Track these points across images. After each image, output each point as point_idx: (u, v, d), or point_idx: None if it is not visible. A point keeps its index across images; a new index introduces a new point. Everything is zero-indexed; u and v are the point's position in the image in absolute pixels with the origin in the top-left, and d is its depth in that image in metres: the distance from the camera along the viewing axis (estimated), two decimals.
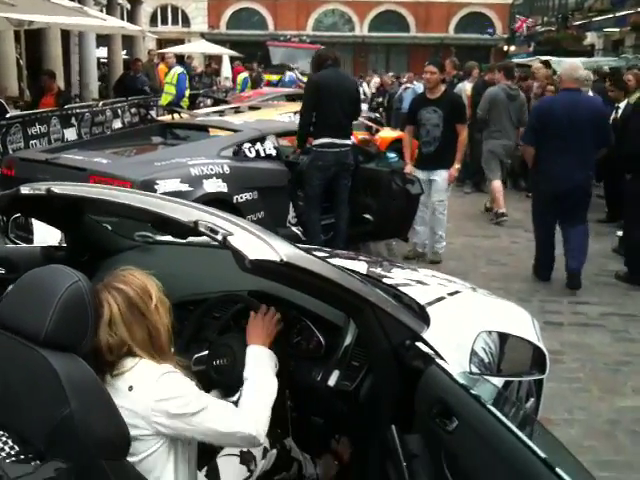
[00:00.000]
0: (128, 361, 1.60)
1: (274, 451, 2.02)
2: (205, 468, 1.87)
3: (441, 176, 5.82)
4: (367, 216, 5.71)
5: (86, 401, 1.32)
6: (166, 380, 1.60)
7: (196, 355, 2.16)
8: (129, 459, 1.50)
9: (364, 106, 10.78)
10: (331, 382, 2.07)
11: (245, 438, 1.68)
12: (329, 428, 2.47)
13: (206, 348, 2.17)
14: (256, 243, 1.62)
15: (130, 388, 1.56)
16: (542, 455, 1.33)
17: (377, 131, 8.28)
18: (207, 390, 2.11)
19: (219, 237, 1.62)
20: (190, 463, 1.72)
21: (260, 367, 1.87)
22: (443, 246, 6.05)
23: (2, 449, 1.34)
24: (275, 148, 5.54)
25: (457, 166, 5.85)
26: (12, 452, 1.33)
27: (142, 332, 1.63)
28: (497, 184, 7.81)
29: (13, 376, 1.39)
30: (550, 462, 1.31)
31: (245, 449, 1.92)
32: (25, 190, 2.10)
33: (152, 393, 1.56)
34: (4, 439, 1.36)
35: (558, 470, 1.28)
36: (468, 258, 6.17)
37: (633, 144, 5.44)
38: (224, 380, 2.04)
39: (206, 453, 2.00)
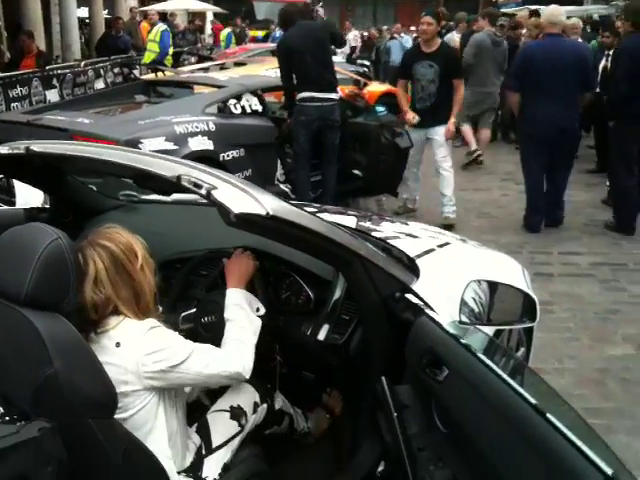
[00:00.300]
0: (112, 319, 1.59)
1: (264, 406, 2.03)
2: (195, 424, 1.87)
3: (439, 133, 5.60)
4: (356, 172, 5.66)
5: (70, 360, 1.30)
6: (152, 334, 1.60)
7: (184, 313, 2.15)
8: (120, 415, 1.50)
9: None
10: (321, 336, 2.07)
11: (231, 376, 1.72)
12: (320, 382, 2.48)
13: (194, 306, 2.15)
14: (241, 197, 1.58)
15: (117, 344, 1.55)
16: (532, 401, 1.33)
17: (365, 85, 8.13)
18: None
19: (203, 191, 1.58)
20: (179, 416, 1.73)
21: (240, 308, 1.89)
22: (453, 210, 5.75)
23: None
24: (261, 104, 5.45)
25: (453, 120, 5.59)
26: None
27: (127, 290, 1.62)
28: (465, 127, 8.02)
29: None
30: (541, 408, 1.30)
31: (235, 404, 1.93)
32: (3, 150, 2.04)
33: (140, 348, 1.56)
34: None
35: (549, 416, 1.27)
36: (459, 211, 6.13)
37: (614, 91, 5.40)
38: (213, 336, 2.02)
39: (196, 410, 2.01)
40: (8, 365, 1.34)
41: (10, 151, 2.03)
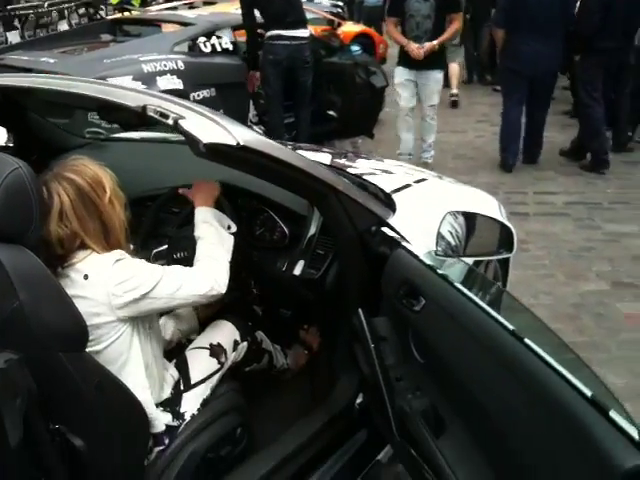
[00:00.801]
0: (80, 253, 1.53)
1: (245, 344, 2.01)
2: (174, 360, 1.85)
3: (434, 78, 5.17)
4: (331, 113, 5.57)
5: (36, 292, 1.26)
6: (120, 265, 1.55)
7: (155, 250, 2.11)
8: (93, 348, 1.47)
9: None
10: (297, 271, 2.04)
11: (206, 294, 1.67)
12: (297, 319, 2.47)
13: (165, 243, 2.11)
14: (210, 126, 1.52)
15: (85, 277, 1.51)
16: (510, 327, 1.32)
17: (339, 25, 7.93)
18: None
19: (170, 121, 1.51)
20: (154, 346, 1.70)
21: (210, 225, 1.83)
22: (432, 155, 5.60)
23: None
24: (232, 42, 5.29)
25: (435, 42, 4.96)
26: None
27: (95, 225, 1.56)
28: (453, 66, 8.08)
29: None
30: (519, 334, 1.30)
31: (215, 342, 1.90)
32: None
33: (109, 279, 1.51)
34: None
35: (527, 341, 1.27)
36: (435, 153, 6.09)
37: (587, 22, 5.34)
38: None
39: (175, 348, 1.99)
40: None
41: None
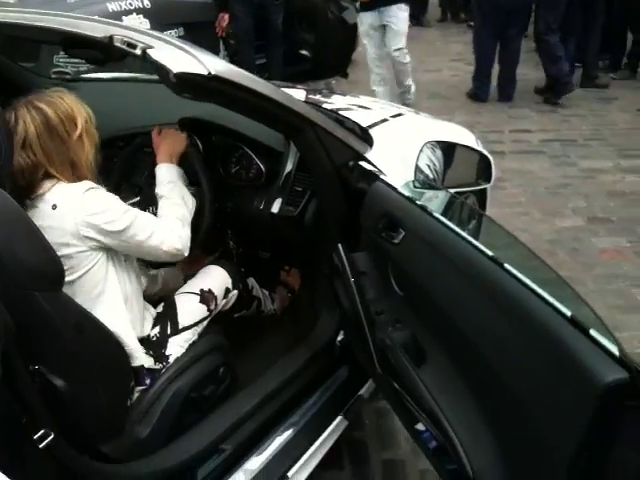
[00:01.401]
0: (46, 183, 1.50)
1: (235, 292, 1.98)
2: (162, 304, 1.81)
3: (397, 16, 4.91)
4: (304, 52, 5.45)
5: (9, 231, 1.21)
6: (91, 195, 1.51)
7: (128, 202, 2.06)
8: (67, 279, 1.42)
9: None
10: (274, 209, 2.01)
11: (171, 251, 1.65)
12: (277, 260, 2.45)
13: (136, 194, 2.05)
14: (181, 56, 1.46)
15: (54, 207, 1.47)
16: (490, 254, 1.32)
17: None
18: None
19: (138, 51, 1.45)
20: (133, 280, 1.67)
21: (174, 185, 1.80)
22: (413, 93, 5.44)
23: None
24: None
25: None
26: None
27: (61, 158, 1.52)
28: None
29: None
30: (498, 259, 1.29)
31: (206, 288, 1.86)
32: None
33: (78, 208, 1.47)
34: None
35: (507, 266, 1.27)
36: None
37: None
38: None
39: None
40: None
41: None
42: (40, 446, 1.18)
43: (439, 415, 1.42)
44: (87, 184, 1.52)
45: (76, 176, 1.55)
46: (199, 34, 4.84)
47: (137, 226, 1.57)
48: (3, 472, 0.98)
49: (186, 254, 1.70)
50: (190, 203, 1.80)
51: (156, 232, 1.61)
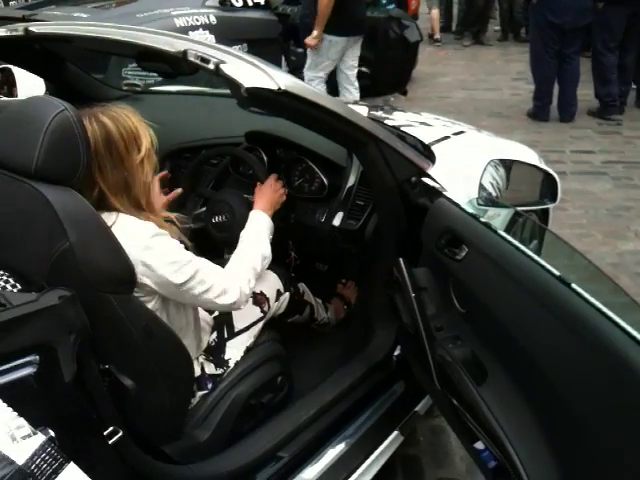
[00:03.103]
0: (105, 215, 1.39)
1: (287, 294, 2.01)
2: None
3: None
4: (363, 69, 5.47)
5: (85, 234, 1.26)
6: (156, 243, 1.43)
7: (194, 212, 2.11)
8: None
9: None
10: (336, 222, 2.04)
11: (224, 305, 1.58)
12: (334, 273, 2.47)
13: (201, 205, 2.11)
14: (252, 71, 1.50)
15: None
16: (557, 273, 1.30)
17: None
18: (207, 247, 2.07)
19: (211, 66, 1.49)
20: (188, 312, 1.63)
21: (258, 232, 1.79)
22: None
23: (4, 288, 1.30)
24: None
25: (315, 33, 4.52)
26: (15, 291, 1.30)
27: (115, 177, 1.43)
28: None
29: (7, 213, 1.32)
30: (565, 278, 1.28)
31: (258, 291, 1.88)
32: (1, 32, 1.95)
33: (140, 255, 1.39)
34: (5, 277, 1.31)
35: (574, 286, 1.25)
36: (469, 112, 6.01)
37: None
38: (226, 236, 2.00)
39: None
40: (21, 242, 1.30)
41: (8, 33, 1.94)
42: (110, 442, 1.22)
43: (500, 434, 1.40)
44: (153, 229, 1.44)
45: (131, 203, 1.47)
46: (262, 50, 4.94)
47: (197, 279, 1.49)
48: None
49: (242, 307, 1.66)
50: (267, 258, 1.75)
51: (215, 285, 1.53)
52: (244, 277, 1.62)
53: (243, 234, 1.78)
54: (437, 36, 9.15)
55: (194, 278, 1.48)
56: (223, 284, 1.55)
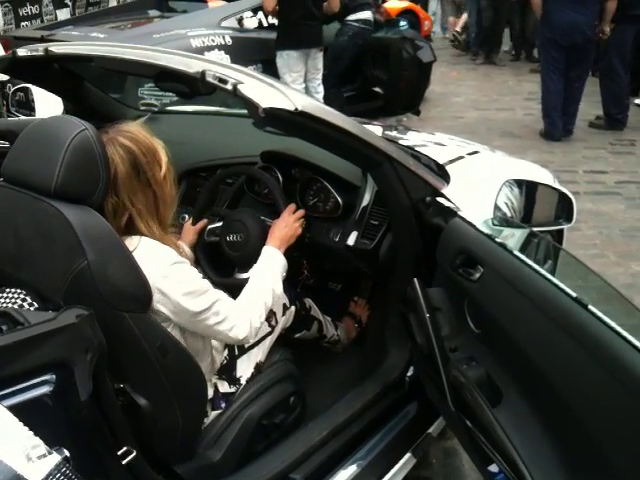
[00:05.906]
0: (127, 240, 1.40)
1: (292, 308, 2.01)
2: None
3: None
4: (376, 89, 5.51)
5: (103, 253, 1.27)
6: (175, 271, 1.43)
7: (210, 226, 2.13)
8: None
9: None
10: (350, 241, 2.04)
11: (235, 339, 1.59)
12: (347, 293, 2.47)
13: (218, 221, 2.12)
14: (269, 92, 1.52)
15: None
16: (573, 295, 1.30)
17: (384, 0, 7.84)
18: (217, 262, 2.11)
19: (229, 86, 1.51)
20: (206, 339, 1.64)
21: (269, 268, 1.79)
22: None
23: (21, 306, 1.31)
24: None
25: None
26: (31, 309, 1.31)
27: (145, 199, 1.44)
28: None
29: (26, 232, 1.33)
30: (582, 301, 1.27)
31: None
32: (22, 52, 1.98)
33: (158, 283, 1.39)
34: (22, 296, 1.33)
35: (591, 308, 1.24)
36: (481, 132, 6.01)
37: None
38: (239, 256, 2.01)
39: None
40: (39, 260, 1.32)
41: (29, 53, 1.97)
42: (123, 462, 1.22)
43: (515, 457, 1.39)
44: (173, 256, 1.44)
45: (160, 223, 1.47)
46: (276, 71, 5.00)
47: (213, 310, 1.49)
48: None
49: (251, 342, 1.71)
50: (277, 294, 1.76)
51: (229, 318, 1.54)
52: (256, 312, 1.64)
53: (257, 268, 1.78)
54: (457, 28, 9.78)
55: (210, 309, 1.48)
56: (237, 317, 1.56)
